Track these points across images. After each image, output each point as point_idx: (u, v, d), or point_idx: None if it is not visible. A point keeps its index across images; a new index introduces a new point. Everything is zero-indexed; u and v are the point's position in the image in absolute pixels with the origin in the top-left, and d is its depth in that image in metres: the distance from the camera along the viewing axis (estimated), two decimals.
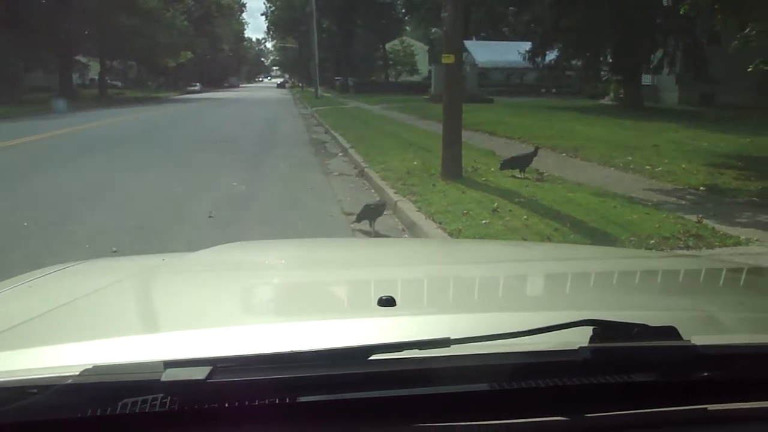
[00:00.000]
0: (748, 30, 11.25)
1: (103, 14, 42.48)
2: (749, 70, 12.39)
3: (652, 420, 0.98)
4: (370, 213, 6.69)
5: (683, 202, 8.00)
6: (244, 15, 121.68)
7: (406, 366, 0.93)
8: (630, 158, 11.64)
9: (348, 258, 2.26)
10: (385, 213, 7.07)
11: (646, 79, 30.07)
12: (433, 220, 6.89)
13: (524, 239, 5.92)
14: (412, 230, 6.90)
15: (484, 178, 9.49)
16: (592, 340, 0.98)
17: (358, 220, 6.76)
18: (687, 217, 6.99)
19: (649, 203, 7.80)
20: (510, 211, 7.22)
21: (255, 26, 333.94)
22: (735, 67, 16.65)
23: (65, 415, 0.87)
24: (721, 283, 1.88)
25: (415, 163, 10.88)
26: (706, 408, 1.00)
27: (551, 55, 30.35)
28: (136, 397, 0.86)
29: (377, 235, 6.63)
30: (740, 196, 8.37)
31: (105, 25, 43.89)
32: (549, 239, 6.00)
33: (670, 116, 22.05)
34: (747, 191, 8.68)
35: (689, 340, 1.00)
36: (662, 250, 5.69)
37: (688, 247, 5.87)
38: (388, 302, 1.23)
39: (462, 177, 9.42)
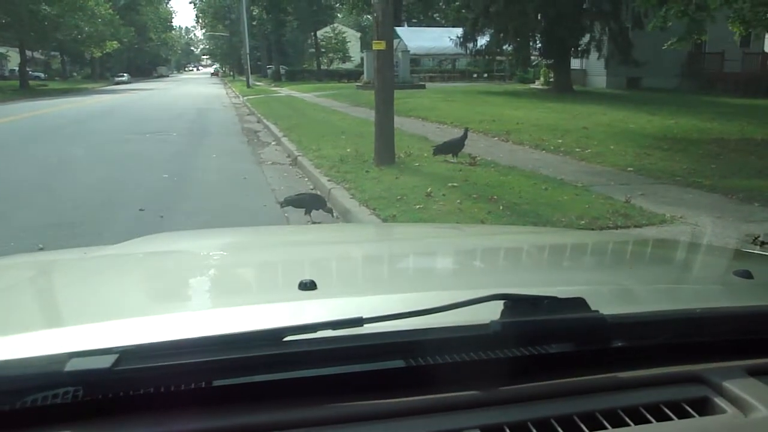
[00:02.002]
0: (665, 10, 11.63)
1: (21, 1, 40.90)
2: (664, 48, 12.86)
3: (564, 389, 0.99)
4: (305, 203, 6.51)
5: (612, 183, 8.18)
6: (171, 3, 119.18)
7: (320, 346, 0.93)
8: (560, 141, 11.85)
9: (274, 244, 2.23)
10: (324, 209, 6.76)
11: (576, 64, 30.64)
12: (367, 206, 6.88)
13: (458, 223, 5.96)
14: (346, 217, 6.86)
15: (417, 164, 9.52)
16: (503, 314, 0.99)
17: (285, 204, 6.52)
18: (615, 197, 7.16)
19: (579, 185, 7.96)
20: (444, 195, 7.25)
21: (184, 15, 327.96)
22: (658, 53, 17.21)
23: None
24: (635, 257, 1.94)
25: (348, 150, 10.83)
26: (616, 375, 1.03)
27: (482, 41, 30.61)
28: (46, 391, 0.84)
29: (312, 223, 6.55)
30: (666, 176, 8.61)
31: (24, 13, 42.25)
32: (482, 222, 6.06)
33: (598, 99, 22.54)
34: (672, 171, 8.94)
35: (597, 311, 1.02)
36: (591, 229, 5.80)
37: (617, 226, 6.01)
38: (308, 286, 1.22)
39: (395, 163, 9.43)
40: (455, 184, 7.85)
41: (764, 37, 25.45)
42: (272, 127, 16.07)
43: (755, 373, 1.03)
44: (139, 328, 1.05)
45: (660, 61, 23.50)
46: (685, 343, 1.10)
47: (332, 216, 6.62)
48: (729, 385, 0.99)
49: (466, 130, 10.19)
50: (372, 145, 9.83)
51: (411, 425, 0.91)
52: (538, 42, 29.66)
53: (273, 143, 13.82)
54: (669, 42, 12.45)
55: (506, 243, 2.14)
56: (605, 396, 0.99)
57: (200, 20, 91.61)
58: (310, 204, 6.47)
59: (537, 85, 33.37)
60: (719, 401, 0.98)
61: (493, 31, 28.89)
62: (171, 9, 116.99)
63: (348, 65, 61.05)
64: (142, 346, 0.91)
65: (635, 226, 6.06)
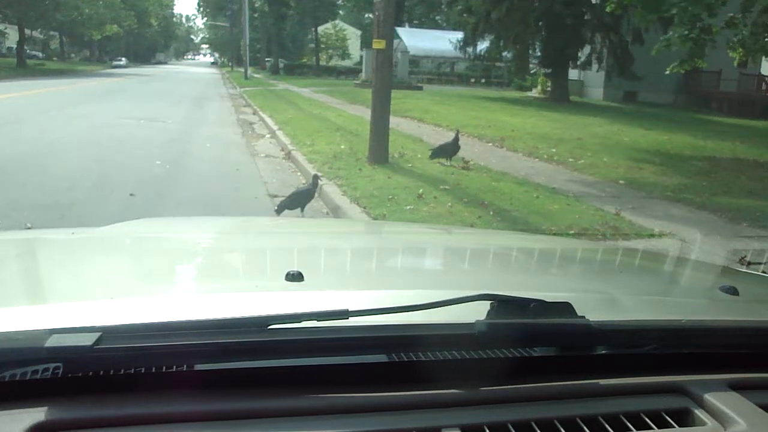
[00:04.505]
0: (670, 34, 11.74)
1: None
2: (667, 72, 12.93)
3: (546, 393, 0.99)
4: (296, 202, 6.46)
5: (603, 195, 8.21)
6: None
7: (305, 336, 0.93)
8: (554, 150, 11.89)
9: (262, 234, 2.23)
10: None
11: (574, 74, 30.69)
12: (357, 204, 6.88)
13: (448, 226, 5.97)
14: (336, 214, 6.86)
15: (410, 164, 9.52)
16: (489, 315, 0.99)
17: (281, 210, 6.33)
18: (606, 209, 7.19)
19: (571, 194, 7.98)
20: (435, 197, 7.26)
21: (185, 2, 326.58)
22: (656, 68, 17.27)
23: None
24: (624, 267, 1.95)
25: (342, 147, 10.83)
26: (598, 382, 1.03)
27: (482, 46, 30.65)
28: (25, 366, 0.84)
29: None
30: (657, 191, 8.64)
31: None
32: (472, 226, 6.06)
33: (594, 111, 22.61)
34: (663, 186, 8.98)
35: (583, 317, 1.02)
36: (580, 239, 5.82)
37: (605, 238, 6.03)
38: (295, 277, 1.21)
39: (389, 162, 9.43)
40: (447, 187, 7.86)
41: (761, 60, 25.59)
42: (267, 119, 16.03)
43: (737, 387, 1.04)
44: (122, 309, 1.04)
45: (657, 76, 23.50)
46: (669, 354, 1.10)
47: (318, 187, 6.69)
48: (710, 398, 1.00)
49: (458, 132, 10.24)
50: (366, 143, 9.84)
51: (391, 420, 0.90)
52: (537, 50, 29.74)
53: (267, 136, 13.79)
54: (671, 66, 12.50)
55: (496, 246, 2.15)
56: (587, 402, 0.99)
57: (201, 9, 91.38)
58: (302, 201, 6.45)
59: (534, 93, 33.40)
60: (700, 413, 0.98)
61: (493, 36, 28.93)
62: None
63: (347, 62, 61.03)
64: (125, 326, 0.90)
65: (624, 239, 6.09)
